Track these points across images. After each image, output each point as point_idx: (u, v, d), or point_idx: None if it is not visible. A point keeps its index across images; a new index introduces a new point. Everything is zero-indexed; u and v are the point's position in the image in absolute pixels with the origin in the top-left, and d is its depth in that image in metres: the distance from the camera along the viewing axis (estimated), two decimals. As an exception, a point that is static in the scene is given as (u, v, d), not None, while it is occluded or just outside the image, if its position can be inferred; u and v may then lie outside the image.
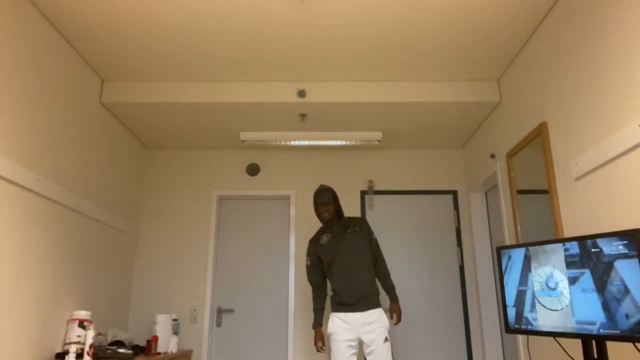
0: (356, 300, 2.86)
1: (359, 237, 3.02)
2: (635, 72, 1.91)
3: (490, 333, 3.73)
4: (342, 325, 2.86)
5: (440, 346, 3.83)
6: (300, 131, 3.91)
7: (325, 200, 3.05)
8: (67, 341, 2.75)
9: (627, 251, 1.60)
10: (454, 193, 4.19)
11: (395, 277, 4.00)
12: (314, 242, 3.11)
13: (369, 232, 3.10)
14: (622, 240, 1.63)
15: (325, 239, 3.06)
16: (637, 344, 1.77)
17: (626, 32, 1.97)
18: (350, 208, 4.14)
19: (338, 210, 3.17)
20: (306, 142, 3.92)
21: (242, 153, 4.28)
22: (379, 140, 3.89)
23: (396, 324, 2.92)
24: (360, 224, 3.09)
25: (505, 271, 2.10)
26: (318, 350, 2.95)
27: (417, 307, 3.92)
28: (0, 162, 2.23)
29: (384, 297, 3.88)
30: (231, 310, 3.94)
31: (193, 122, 3.72)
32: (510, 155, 3.11)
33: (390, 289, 3.02)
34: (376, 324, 2.82)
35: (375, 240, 3.11)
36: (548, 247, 1.92)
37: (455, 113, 3.56)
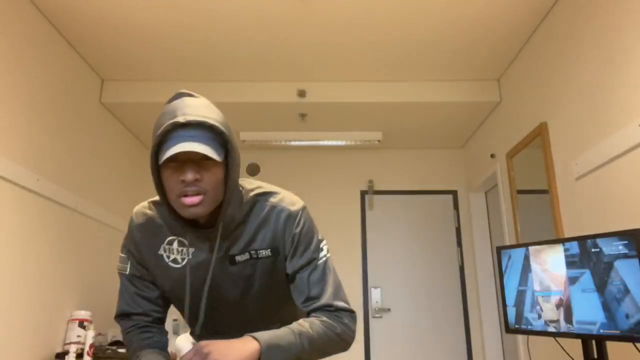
0: None
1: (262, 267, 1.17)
2: (635, 72, 1.91)
3: (490, 333, 3.73)
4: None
5: (440, 346, 3.83)
6: (300, 131, 3.91)
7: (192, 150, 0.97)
8: (67, 341, 2.74)
9: (627, 251, 1.60)
10: (454, 193, 4.19)
11: (395, 277, 3.99)
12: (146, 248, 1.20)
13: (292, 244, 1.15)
14: (622, 240, 1.62)
15: (175, 251, 1.16)
16: (637, 344, 1.77)
17: (626, 33, 1.97)
18: (350, 208, 4.14)
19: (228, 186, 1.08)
20: (306, 142, 3.92)
21: (242, 153, 4.27)
22: (379, 140, 3.89)
23: None
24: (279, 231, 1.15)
25: (505, 271, 2.10)
26: None
27: (417, 307, 3.92)
28: (0, 162, 2.23)
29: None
30: (231, 310, 3.94)
31: (193, 122, 3.71)
32: (510, 155, 3.11)
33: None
34: None
35: (315, 265, 1.15)
36: (548, 247, 1.92)
37: (455, 113, 3.56)
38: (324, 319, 1.09)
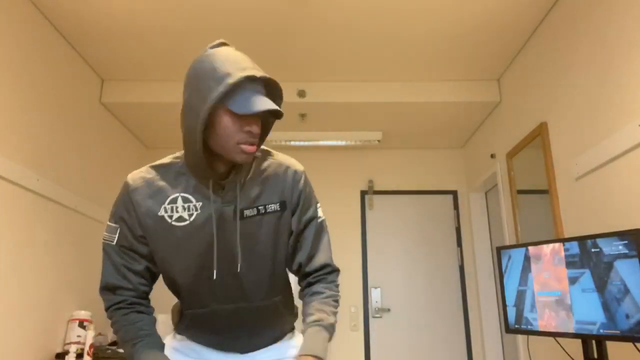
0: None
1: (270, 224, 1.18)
2: (635, 72, 1.91)
3: (490, 333, 3.73)
4: None
5: (440, 346, 3.83)
6: (300, 131, 3.91)
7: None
8: (67, 341, 2.74)
9: (627, 251, 1.60)
10: (454, 193, 4.19)
11: (395, 278, 3.99)
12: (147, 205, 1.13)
13: (298, 205, 1.21)
14: (622, 240, 1.62)
15: (180, 208, 1.12)
16: (637, 344, 1.77)
17: (626, 32, 1.97)
18: (350, 208, 4.14)
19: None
20: (306, 142, 3.92)
21: (242, 153, 4.27)
22: (379, 140, 3.89)
23: None
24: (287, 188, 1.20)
25: (505, 271, 2.10)
26: None
27: (417, 307, 3.92)
28: (0, 162, 2.23)
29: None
30: (231, 310, 3.93)
31: (193, 122, 3.71)
32: (510, 155, 3.11)
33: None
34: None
35: (316, 223, 1.24)
36: (548, 247, 1.92)
37: (455, 113, 3.56)
38: (327, 293, 1.19)
